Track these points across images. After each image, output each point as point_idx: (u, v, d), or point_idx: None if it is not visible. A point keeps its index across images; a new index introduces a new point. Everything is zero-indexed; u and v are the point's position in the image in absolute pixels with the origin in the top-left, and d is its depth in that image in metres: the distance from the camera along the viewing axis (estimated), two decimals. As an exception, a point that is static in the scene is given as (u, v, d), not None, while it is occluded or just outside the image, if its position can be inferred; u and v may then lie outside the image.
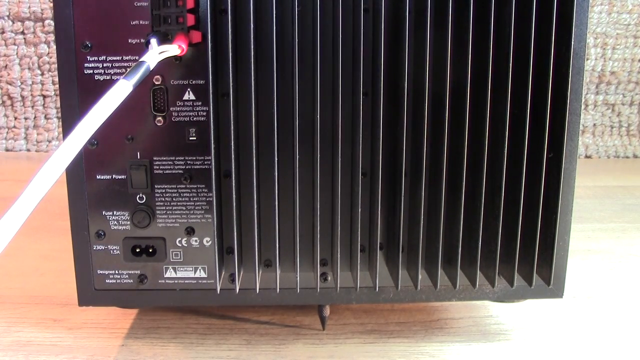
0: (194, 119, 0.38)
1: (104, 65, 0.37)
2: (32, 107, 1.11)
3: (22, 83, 1.09)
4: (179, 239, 0.40)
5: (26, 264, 0.59)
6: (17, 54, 1.08)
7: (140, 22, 0.37)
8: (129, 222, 0.40)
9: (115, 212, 0.40)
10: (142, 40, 0.37)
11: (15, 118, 1.11)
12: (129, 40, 0.37)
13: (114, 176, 0.39)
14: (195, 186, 0.39)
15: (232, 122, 0.37)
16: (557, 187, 0.39)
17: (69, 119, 0.38)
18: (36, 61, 1.08)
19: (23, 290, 0.53)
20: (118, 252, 0.40)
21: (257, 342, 0.44)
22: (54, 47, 0.45)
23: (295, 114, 0.38)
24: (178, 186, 0.39)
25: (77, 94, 0.38)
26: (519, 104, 0.38)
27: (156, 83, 0.38)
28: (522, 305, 0.50)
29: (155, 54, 0.34)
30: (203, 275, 0.41)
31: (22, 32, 1.07)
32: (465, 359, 0.42)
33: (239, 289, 0.41)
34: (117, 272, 0.41)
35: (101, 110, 0.28)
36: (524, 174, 0.39)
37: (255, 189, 0.38)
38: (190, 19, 0.36)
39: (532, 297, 0.43)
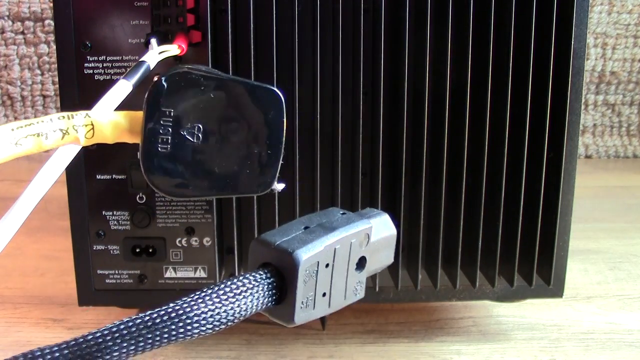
0: (194, 119, 0.38)
1: (104, 65, 0.37)
2: (32, 107, 1.11)
3: (22, 83, 1.09)
4: (179, 239, 0.40)
5: (26, 264, 0.59)
6: (17, 54, 1.08)
7: (140, 22, 0.37)
8: (129, 222, 0.40)
9: (115, 212, 0.40)
10: (142, 40, 0.37)
11: (15, 118, 1.11)
12: (129, 40, 0.37)
13: (114, 176, 0.39)
14: (195, 186, 0.39)
15: (232, 122, 0.37)
16: (557, 187, 0.39)
17: (69, 119, 0.38)
18: (36, 61, 1.08)
19: (23, 290, 0.52)
20: (118, 252, 0.40)
21: (257, 342, 0.44)
22: (54, 47, 0.45)
23: (295, 114, 0.38)
24: (178, 186, 0.39)
25: (77, 94, 0.38)
26: (519, 103, 0.38)
27: (156, 83, 0.38)
28: (522, 305, 0.50)
29: (155, 54, 0.34)
30: (203, 275, 0.41)
31: (22, 32, 1.07)
32: (465, 359, 0.42)
33: (239, 289, 0.41)
34: (117, 272, 0.40)
35: (101, 111, 0.27)
36: (524, 174, 0.39)
37: (255, 189, 0.38)
38: (190, 19, 0.36)
39: (532, 297, 0.43)
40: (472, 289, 0.41)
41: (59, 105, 0.36)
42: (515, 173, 0.39)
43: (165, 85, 0.22)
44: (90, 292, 0.41)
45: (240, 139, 0.23)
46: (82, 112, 0.22)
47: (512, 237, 0.40)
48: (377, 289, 0.41)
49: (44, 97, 1.10)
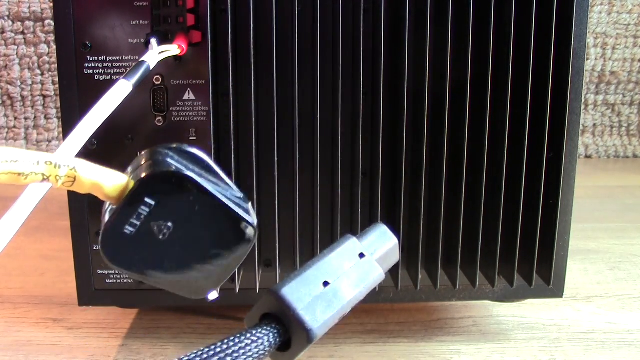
0: (194, 119, 0.38)
1: (104, 65, 0.37)
2: (32, 107, 1.11)
3: (22, 83, 1.09)
4: (179, 239, 0.40)
5: (26, 264, 0.59)
6: (17, 54, 1.08)
7: (140, 22, 0.37)
8: (129, 222, 0.40)
9: (115, 212, 0.39)
10: (142, 40, 0.37)
11: (15, 118, 1.11)
12: (129, 40, 0.37)
13: (114, 176, 0.39)
14: (195, 186, 0.39)
15: (232, 122, 0.37)
16: (557, 187, 0.39)
17: (69, 119, 0.38)
18: (36, 61, 1.08)
19: (23, 290, 0.53)
20: (118, 252, 0.40)
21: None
22: (54, 47, 0.45)
23: (295, 114, 0.38)
24: (178, 186, 0.39)
25: (77, 94, 0.38)
26: (519, 103, 0.38)
27: (156, 83, 0.38)
28: (522, 305, 0.50)
29: (155, 54, 0.34)
30: (203, 275, 0.41)
31: (22, 32, 1.07)
32: (465, 359, 0.42)
33: (239, 289, 0.41)
34: (117, 272, 0.40)
35: (101, 110, 0.27)
36: (524, 174, 0.39)
37: (255, 188, 0.38)
38: (190, 19, 0.36)
39: (532, 297, 0.43)
40: (472, 289, 0.41)
41: (59, 105, 0.36)
42: (515, 173, 0.39)
43: (159, 183, 0.22)
44: (90, 292, 0.41)
45: (200, 253, 0.24)
46: (71, 163, 0.22)
47: (512, 237, 0.40)
48: (377, 289, 0.41)
49: (44, 97, 1.10)
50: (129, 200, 0.22)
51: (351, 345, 0.44)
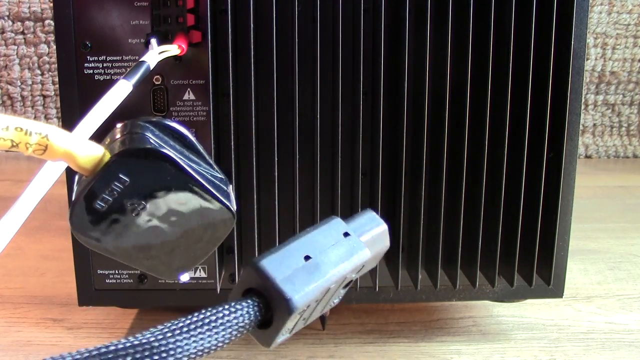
0: (194, 119, 0.38)
1: (104, 65, 0.37)
2: (32, 107, 1.11)
3: (22, 83, 1.09)
4: (179, 239, 0.40)
5: (26, 264, 0.59)
6: (17, 54, 1.08)
7: (140, 22, 0.37)
8: (129, 222, 0.40)
9: (115, 212, 0.39)
10: (142, 40, 0.37)
11: (15, 118, 1.11)
12: (129, 40, 0.37)
13: (114, 176, 0.39)
14: (195, 186, 0.39)
15: (232, 122, 0.37)
16: (557, 187, 0.39)
17: (69, 119, 0.38)
18: (36, 61, 1.08)
19: (23, 290, 0.52)
20: (118, 252, 0.40)
21: (257, 342, 0.44)
22: (54, 47, 0.45)
23: (295, 114, 0.38)
24: (178, 186, 0.39)
25: (77, 94, 0.38)
26: (519, 103, 0.38)
27: (156, 83, 0.38)
28: (522, 305, 0.50)
29: (155, 54, 0.34)
30: (203, 275, 0.41)
31: (22, 32, 1.07)
32: (465, 359, 0.42)
33: (239, 289, 0.41)
34: (117, 271, 0.40)
35: (101, 110, 0.27)
36: (524, 174, 0.39)
37: (255, 188, 0.38)
38: (190, 19, 0.36)
39: (532, 297, 0.43)
40: (472, 289, 0.41)
41: (59, 105, 0.36)
42: (515, 173, 0.39)
43: (135, 160, 0.21)
44: (90, 292, 0.41)
45: (174, 235, 0.23)
46: (43, 131, 0.20)
47: (512, 237, 0.40)
48: (377, 289, 0.41)
49: (44, 97, 1.10)
50: (102, 175, 0.21)
51: (351, 345, 0.44)
